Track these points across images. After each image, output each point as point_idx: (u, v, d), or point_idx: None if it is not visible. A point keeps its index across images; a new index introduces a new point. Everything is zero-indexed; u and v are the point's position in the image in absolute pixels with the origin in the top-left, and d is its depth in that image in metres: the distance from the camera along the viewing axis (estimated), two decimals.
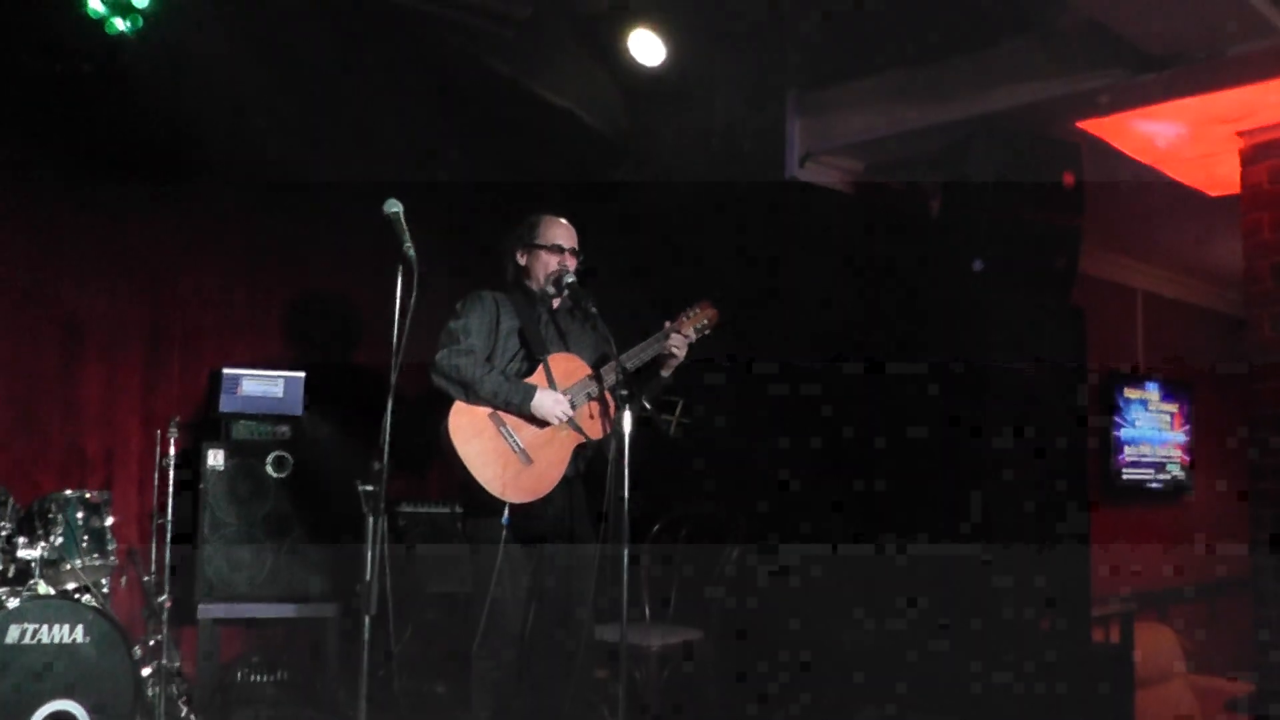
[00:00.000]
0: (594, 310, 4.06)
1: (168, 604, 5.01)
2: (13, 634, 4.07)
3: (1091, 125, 5.23)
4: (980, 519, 4.94)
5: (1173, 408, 8.11)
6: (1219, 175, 5.80)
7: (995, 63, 4.87)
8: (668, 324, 4.21)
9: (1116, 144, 5.50)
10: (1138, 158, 5.69)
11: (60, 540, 4.51)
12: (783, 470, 5.68)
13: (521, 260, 4.29)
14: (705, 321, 4.25)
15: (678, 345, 4.17)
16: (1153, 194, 6.13)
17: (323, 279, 6.32)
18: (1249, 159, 5.36)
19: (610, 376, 4.07)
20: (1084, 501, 5.26)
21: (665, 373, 4.23)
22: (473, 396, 3.98)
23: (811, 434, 5.64)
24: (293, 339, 6.23)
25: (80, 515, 4.60)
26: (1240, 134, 5.33)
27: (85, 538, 4.59)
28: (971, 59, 4.91)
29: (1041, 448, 5.01)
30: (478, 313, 4.15)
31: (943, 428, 5.10)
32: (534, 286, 4.28)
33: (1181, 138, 5.49)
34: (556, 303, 4.29)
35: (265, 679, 5.54)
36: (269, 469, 5.59)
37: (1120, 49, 4.50)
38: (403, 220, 3.43)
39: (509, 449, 3.98)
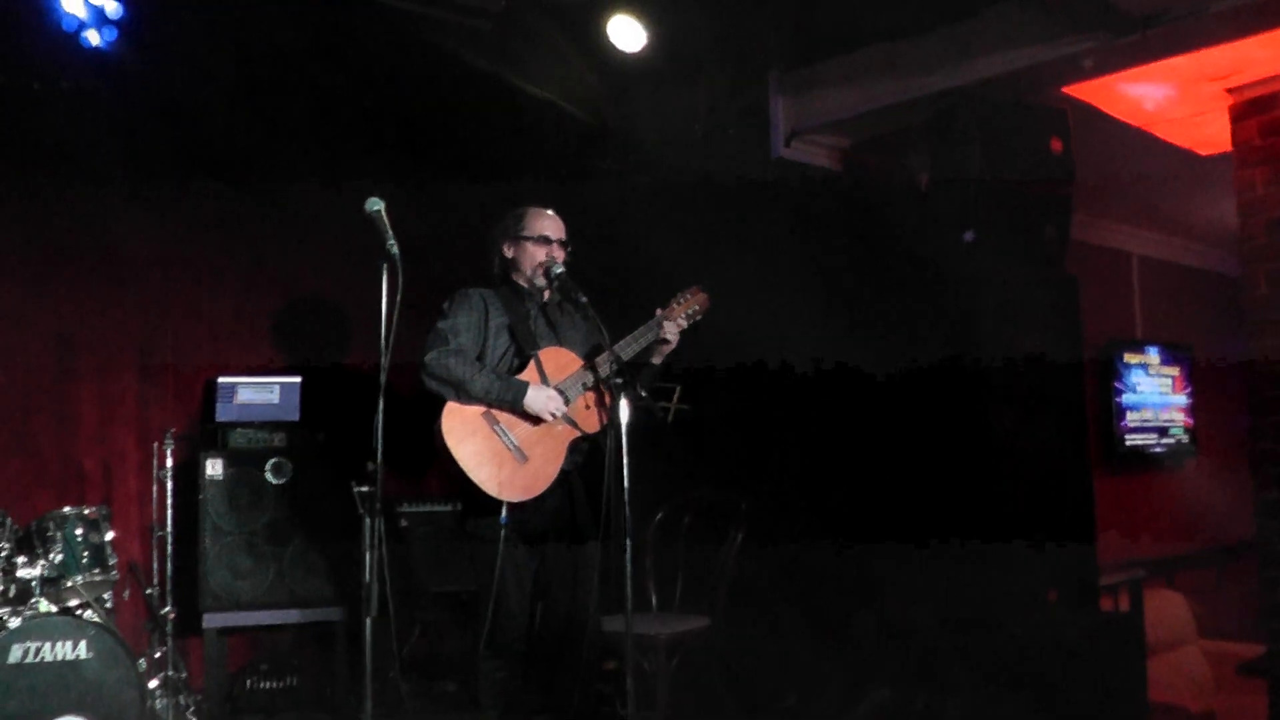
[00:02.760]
0: (584, 300, 4.03)
1: (171, 615, 5.01)
2: (15, 654, 4.05)
3: (1077, 90, 5.19)
4: (983, 494, 4.90)
5: (1174, 370, 8.07)
6: (1209, 134, 5.76)
7: (977, 32, 4.84)
8: (659, 311, 4.19)
9: (1104, 108, 5.46)
10: (1126, 120, 5.65)
11: (60, 557, 4.49)
12: (784, 454, 5.66)
13: (509, 253, 4.26)
14: (696, 308, 4.22)
15: (670, 332, 4.15)
16: (1143, 156, 6.09)
17: (312, 283, 6.30)
18: (1239, 116, 5.32)
19: (604, 367, 4.05)
20: (1087, 470, 5.23)
21: (657, 360, 4.21)
22: (464, 396, 3.95)
23: (811, 417, 5.61)
24: (286, 345, 6.20)
25: (79, 531, 4.58)
26: (1229, 91, 5.28)
27: (85, 554, 4.57)
28: (953, 29, 4.88)
29: (1042, 418, 4.98)
30: (465, 311, 4.12)
31: (942, 404, 5.06)
32: (522, 280, 4.25)
33: (1169, 98, 5.45)
34: (546, 295, 4.26)
35: (274, 685, 5.53)
36: (268, 476, 5.57)
37: (1102, 11, 4.46)
38: (385, 218, 3.40)
39: (503, 447, 3.95)
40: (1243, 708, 6.12)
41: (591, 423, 4.10)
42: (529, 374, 4.04)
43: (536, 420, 4.00)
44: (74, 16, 4.58)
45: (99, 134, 5.32)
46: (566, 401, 4.03)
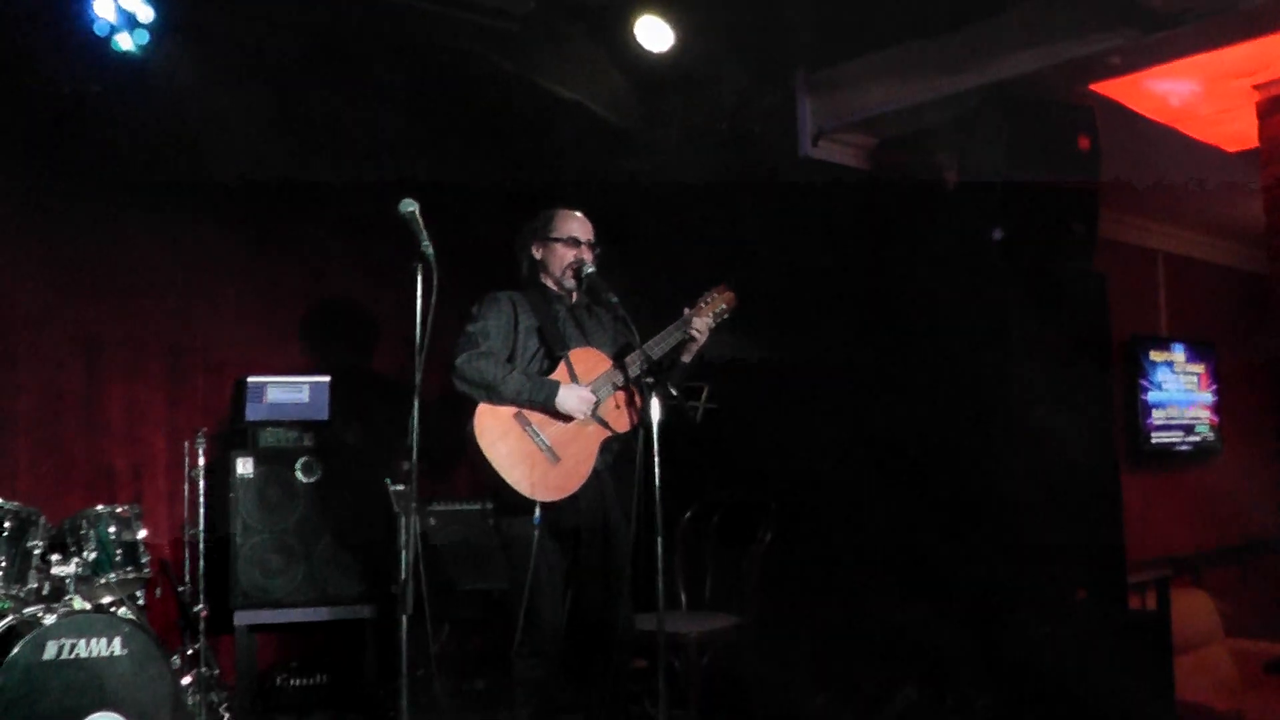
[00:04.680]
0: (615, 300, 4.05)
1: (204, 613, 5.04)
2: (50, 650, 4.07)
3: (1104, 87, 5.18)
4: (1012, 491, 4.90)
5: (1199, 368, 8.04)
6: (1236, 130, 5.75)
7: (1004, 29, 4.83)
8: (687, 310, 4.20)
9: (1131, 105, 5.45)
10: (1153, 117, 5.64)
11: (93, 555, 4.53)
12: (812, 453, 5.65)
13: (537, 255, 4.28)
14: (724, 306, 4.24)
15: (698, 330, 4.16)
16: (1170, 153, 6.07)
17: (341, 283, 6.32)
18: (1266, 112, 5.31)
19: (633, 367, 4.07)
20: (1115, 468, 5.22)
21: (686, 358, 4.22)
22: (496, 398, 3.97)
23: (840, 415, 5.61)
24: (314, 344, 6.22)
25: (112, 530, 4.61)
26: (1256, 88, 5.28)
27: (118, 551, 4.60)
28: (979, 27, 4.87)
29: (1070, 416, 4.97)
30: (495, 313, 4.13)
31: (970, 401, 5.06)
32: (550, 282, 4.26)
33: (1196, 95, 5.44)
34: (574, 296, 4.28)
35: (304, 683, 5.56)
36: (298, 474, 5.60)
37: (1129, 8, 4.45)
38: (419, 219, 3.42)
39: (536, 448, 3.97)
40: (1270, 706, 6.10)
41: (622, 422, 4.11)
42: (559, 374, 4.06)
43: (568, 420, 4.01)
44: (105, 21, 4.60)
45: (128, 135, 5.36)
46: (597, 401, 4.05)
